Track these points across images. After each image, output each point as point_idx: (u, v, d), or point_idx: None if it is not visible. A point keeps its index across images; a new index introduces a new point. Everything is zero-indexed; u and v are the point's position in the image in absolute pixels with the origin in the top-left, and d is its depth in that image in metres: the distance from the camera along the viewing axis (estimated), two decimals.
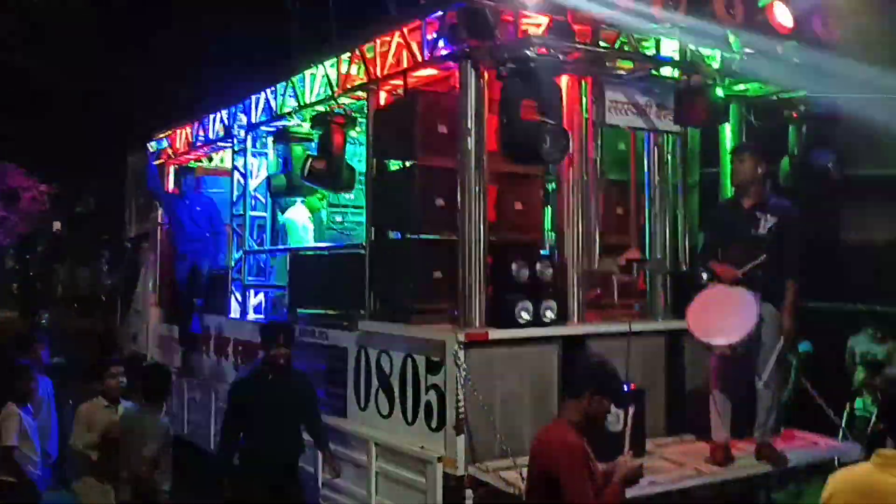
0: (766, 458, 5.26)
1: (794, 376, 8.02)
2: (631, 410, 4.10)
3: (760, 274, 5.17)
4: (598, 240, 5.78)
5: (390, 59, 6.03)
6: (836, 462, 5.66)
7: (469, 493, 4.92)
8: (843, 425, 6.66)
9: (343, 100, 6.73)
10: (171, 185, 10.12)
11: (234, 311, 8.20)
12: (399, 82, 6.02)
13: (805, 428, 6.43)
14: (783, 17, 5.62)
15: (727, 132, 6.37)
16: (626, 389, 5.21)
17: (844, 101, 6.40)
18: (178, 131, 9.96)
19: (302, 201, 8.27)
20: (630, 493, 4.63)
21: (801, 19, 5.73)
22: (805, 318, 9.81)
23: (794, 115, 6.25)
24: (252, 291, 8.13)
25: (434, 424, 5.17)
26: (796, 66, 5.73)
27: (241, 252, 8.25)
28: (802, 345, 8.79)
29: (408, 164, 5.87)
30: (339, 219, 8.88)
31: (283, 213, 8.46)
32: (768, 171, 5.47)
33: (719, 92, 5.51)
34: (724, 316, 5.10)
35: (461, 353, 4.98)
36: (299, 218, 8.29)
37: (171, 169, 10.21)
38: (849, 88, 5.87)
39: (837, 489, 2.82)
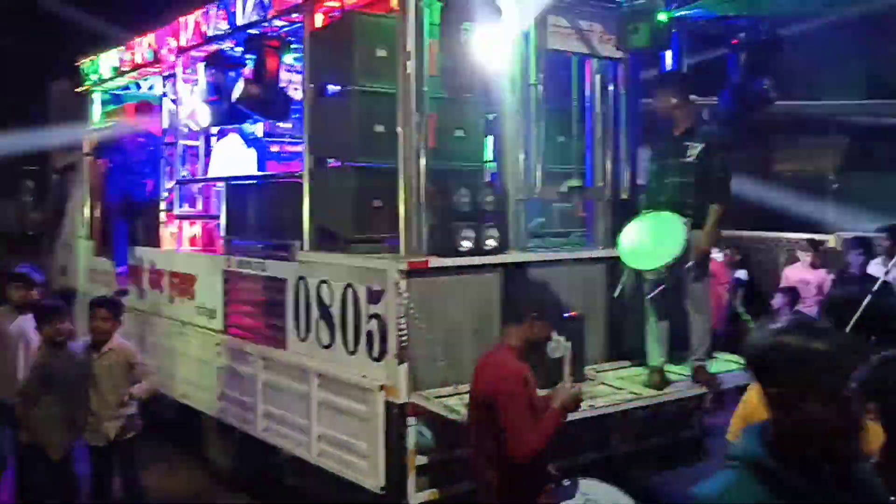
0: (701, 381, 5.40)
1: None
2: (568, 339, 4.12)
3: (690, 200, 5.23)
4: (539, 167, 5.73)
5: None
6: None
7: (411, 420, 4.94)
8: None
9: (277, 22, 6.47)
10: (97, 113, 9.70)
11: (168, 243, 7.99)
12: (336, 4, 5.81)
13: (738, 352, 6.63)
14: None
15: (668, 59, 6.33)
16: (566, 316, 5.28)
17: (784, 30, 6.43)
18: (104, 57, 9.51)
19: (238, 131, 7.99)
20: (570, 416, 4.73)
21: None
22: (740, 247, 10.14)
23: (734, 41, 6.24)
24: (187, 223, 7.91)
25: (376, 354, 5.14)
26: None
27: (173, 182, 8.00)
28: (738, 273, 9.03)
29: (346, 88, 5.70)
30: (276, 147, 8.66)
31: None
32: (688, 99, 5.48)
33: (662, 17, 5.44)
34: (654, 241, 5.16)
35: (402, 282, 4.93)
36: (229, 148, 8.00)
37: (97, 96, 9.78)
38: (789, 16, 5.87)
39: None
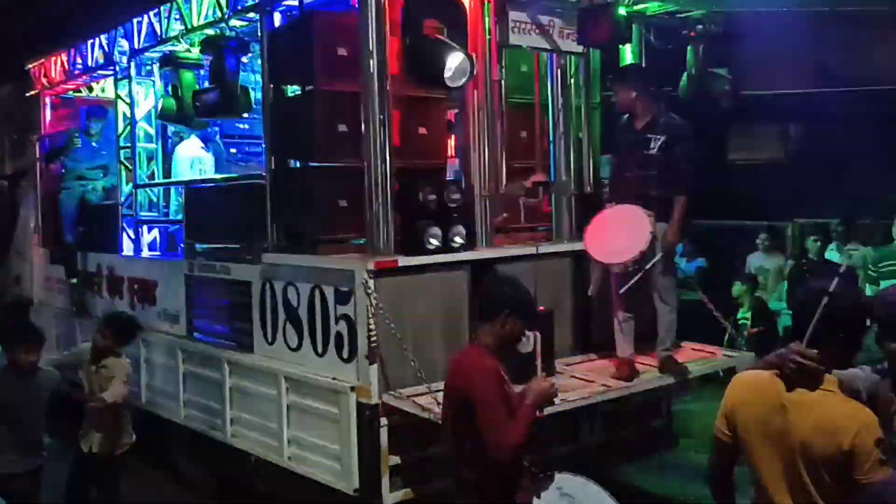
0: (668, 370, 5.45)
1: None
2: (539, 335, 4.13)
3: (654, 193, 5.28)
4: (503, 164, 5.74)
5: None
6: (720, 373, 5.98)
7: (384, 420, 4.91)
8: (731, 334, 7.02)
9: (234, 22, 6.38)
10: (47, 118, 9.49)
11: (127, 249, 7.84)
12: (294, 2, 5.75)
13: (697, 340, 6.74)
14: None
15: (628, 53, 6.39)
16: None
17: (740, 21, 6.53)
18: (53, 59, 9.30)
19: (197, 134, 7.86)
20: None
21: None
22: (699, 236, 10.27)
23: (692, 34, 6.31)
24: (146, 227, 7.77)
25: (345, 355, 5.11)
26: None
27: (130, 186, 7.85)
28: (697, 261, 9.16)
29: (307, 89, 5.64)
30: (234, 150, 8.56)
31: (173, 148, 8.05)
32: (649, 92, 5.53)
33: (621, 11, 5.48)
34: (620, 235, 5.20)
35: (371, 282, 4.90)
36: (188, 152, 7.87)
37: (48, 100, 9.56)
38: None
39: (746, 392, 2.92)
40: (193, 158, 7.74)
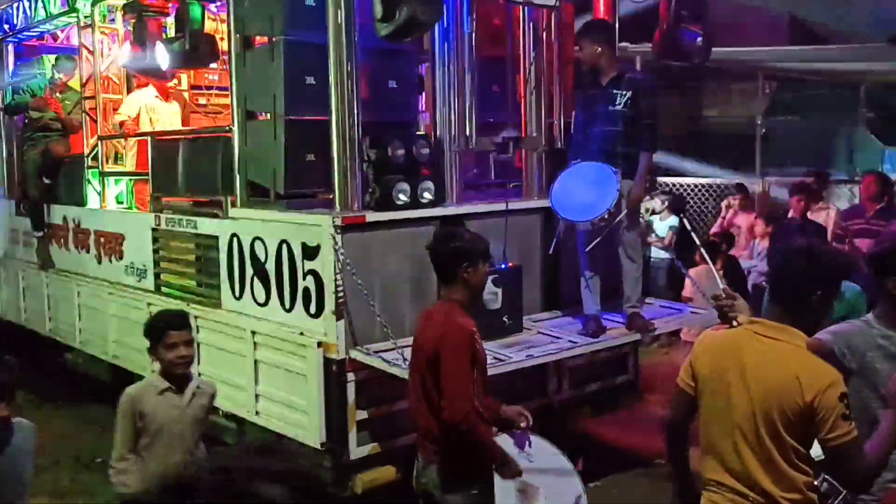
0: (635, 327, 5.50)
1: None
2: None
3: (620, 149, 5.26)
4: (474, 118, 5.68)
5: None
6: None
7: (350, 375, 4.92)
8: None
9: None
10: (10, 65, 9.23)
11: (93, 201, 7.72)
12: None
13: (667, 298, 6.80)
14: None
15: (601, 7, 6.31)
16: (504, 267, 5.31)
17: None
18: (15, 5, 9.01)
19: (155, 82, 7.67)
20: (510, 365, 4.79)
21: None
22: (671, 192, 10.29)
23: None
24: (111, 180, 7.64)
25: (313, 310, 5.09)
26: None
27: (95, 138, 7.70)
28: (669, 220, 9.19)
29: (273, 39, 5.52)
30: (202, 102, 8.40)
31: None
32: (612, 47, 5.49)
33: None
34: (586, 192, 5.18)
35: (338, 237, 4.87)
36: (138, 97, 7.67)
37: (10, 48, 9.29)
38: None
39: (713, 344, 2.97)
40: (143, 105, 7.56)
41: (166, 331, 4.03)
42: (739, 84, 13.97)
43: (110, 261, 7.32)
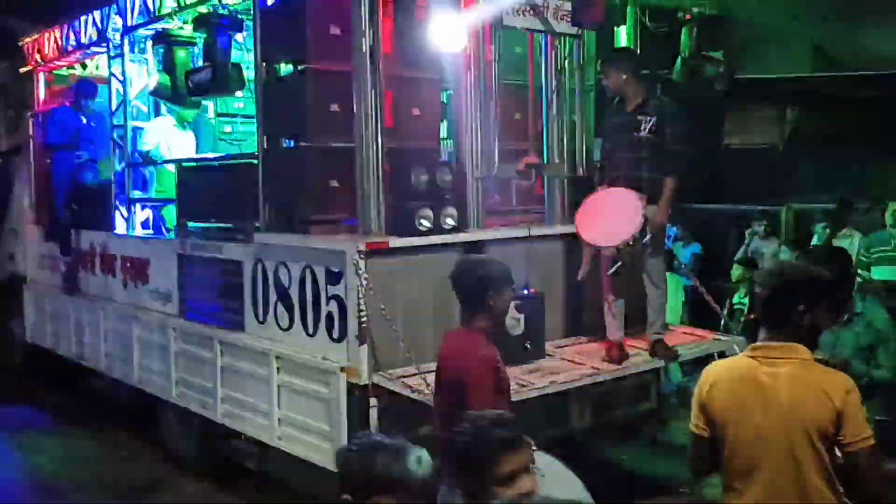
0: (659, 354, 5.47)
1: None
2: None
3: (644, 174, 5.28)
4: (496, 145, 5.72)
5: None
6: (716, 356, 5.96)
7: (374, 401, 4.93)
8: (724, 318, 7.02)
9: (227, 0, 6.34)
10: (40, 94, 9.43)
11: (120, 227, 7.83)
12: None
13: (694, 324, 6.75)
14: None
15: (622, 35, 6.36)
16: (527, 293, 5.32)
17: (734, 5, 6.49)
18: (47, 35, 9.23)
19: (170, 112, 7.80)
20: (532, 391, 4.78)
21: None
22: (693, 220, 10.28)
23: (687, 16, 6.28)
24: (138, 206, 7.75)
25: (336, 335, 5.12)
26: None
27: (123, 164, 7.82)
28: (692, 246, 9.17)
29: (300, 67, 5.61)
30: (228, 128, 8.52)
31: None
32: (639, 74, 5.52)
33: None
34: (611, 218, 5.20)
35: (362, 263, 4.90)
36: (155, 134, 7.79)
37: (41, 77, 9.50)
38: None
39: (720, 378, 2.92)
40: (163, 135, 7.65)
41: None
42: (761, 110, 13.94)
43: (136, 286, 7.40)
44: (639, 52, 6.37)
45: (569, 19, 5.67)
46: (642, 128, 5.33)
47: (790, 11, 9.55)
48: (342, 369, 4.98)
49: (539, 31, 5.96)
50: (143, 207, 7.77)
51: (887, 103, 12.14)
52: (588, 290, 5.79)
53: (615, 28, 6.19)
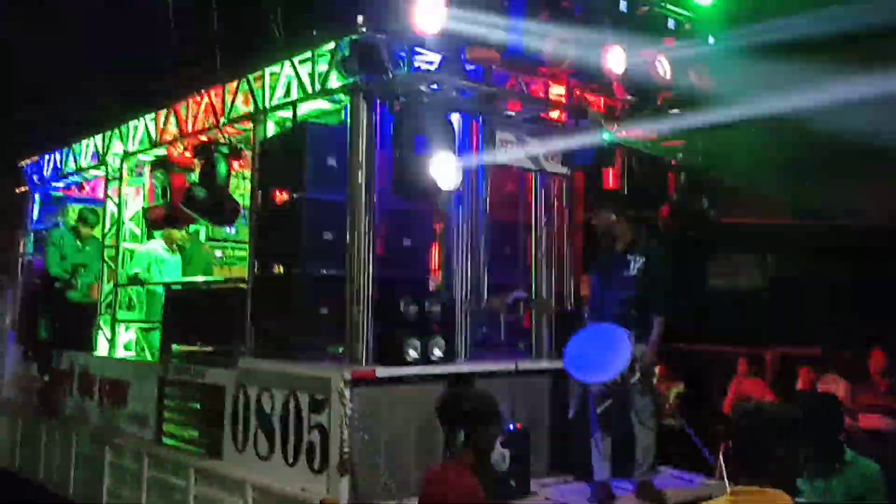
0: (647, 496, 5.33)
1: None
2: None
3: (633, 313, 5.32)
4: (485, 279, 5.77)
5: (279, 90, 5.91)
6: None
7: None
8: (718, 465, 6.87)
9: (228, 129, 6.52)
10: (35, 215, 9.53)
11: (102, 348, 7.72)
12: (288, 113, 5.89)
13: (678, 465, 6.59)
14: (614, 62, 5.69)
15: (612, 175, 6.55)
16: (512, 429, 5.23)
17: (718, 153, 6.74)
18: (46, 158, 9.42)
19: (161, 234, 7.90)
20: None
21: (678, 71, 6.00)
22: (678, 360, 10.23)
23: (673, 161, 6.50)
24: (123, 326, 7.68)
25: (317, 465, 4.98)
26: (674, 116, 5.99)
27: (111, 284, 7.81)
28: (677, 385, 9.09)
29: (295, 196, 5.71)
30: (218, 253, 8.59)
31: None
32: (626, 216, 5.65)
33: (606, 136, 5.66)
34: (599, 354, 5.19)
35: (347, 392, 4.83)
36: (152, 252, 7.88)
37: (37, 197, 9.62)
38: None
39: None
40: (152, 258, 7.75)
41: None
42: (746, 254, 14.16)
43: (112, 409, 7.24)
44: (626, 193, 6.55)
45: (559, 159, 5.85)
46: (631, 267, 5.42)
47: (773, 163, 9.92)
48: (322, 502, 4.81)
49: (531, 170, 6.14)
50: (127, 328, 7.70)
51: (866, 253, 12.41)
52: (575, 427, 5.70)
53: (604, 168, 6.37)
